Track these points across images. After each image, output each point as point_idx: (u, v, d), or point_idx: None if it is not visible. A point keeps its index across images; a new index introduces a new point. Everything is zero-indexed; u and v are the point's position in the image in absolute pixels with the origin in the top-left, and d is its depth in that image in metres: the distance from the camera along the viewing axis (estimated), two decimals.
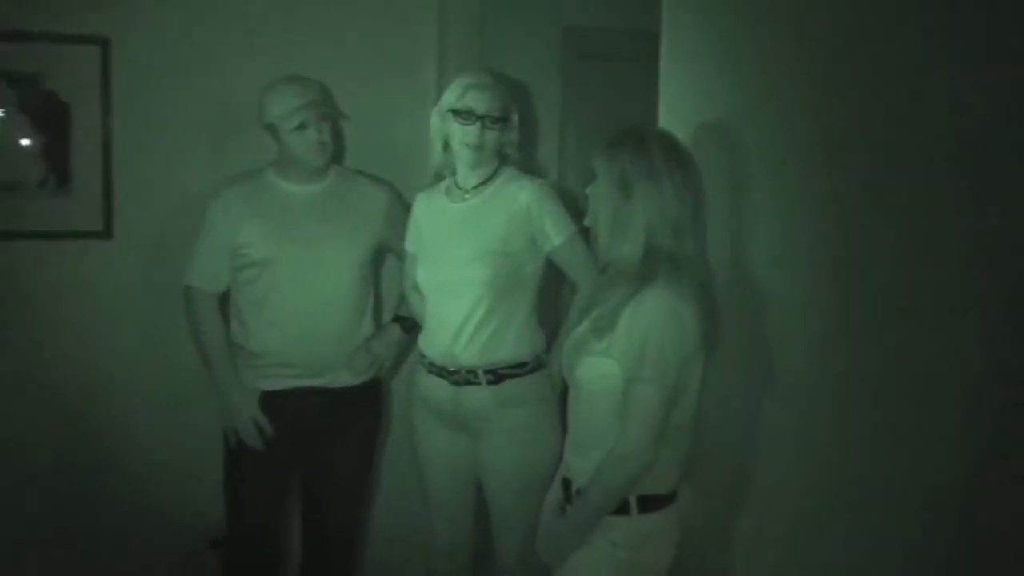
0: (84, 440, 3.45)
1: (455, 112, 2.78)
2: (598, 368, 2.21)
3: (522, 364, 2.82)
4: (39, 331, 3.39)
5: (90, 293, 3.44)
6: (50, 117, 3.35)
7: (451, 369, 2.83)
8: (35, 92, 3.32)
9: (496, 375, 2.80)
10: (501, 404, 2.80)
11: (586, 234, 2.50)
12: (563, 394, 2.48)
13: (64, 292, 3.41)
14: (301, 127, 2.97)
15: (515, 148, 2.88)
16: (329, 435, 3.15)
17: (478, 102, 2.76)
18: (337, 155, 3.24)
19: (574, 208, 2.75)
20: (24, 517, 3.41)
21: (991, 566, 1.61)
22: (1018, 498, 1.55)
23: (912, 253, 1.78)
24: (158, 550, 3.55)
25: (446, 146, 2.86)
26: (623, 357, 2.16)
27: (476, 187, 2.84)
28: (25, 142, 3.34)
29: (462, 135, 2.78)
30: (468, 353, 2.79)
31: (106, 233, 3.44)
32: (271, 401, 3.07)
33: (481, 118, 2.76)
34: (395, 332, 3.20)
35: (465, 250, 2.79)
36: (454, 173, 2.90)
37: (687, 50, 2.56)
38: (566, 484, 2.36)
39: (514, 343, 2.81)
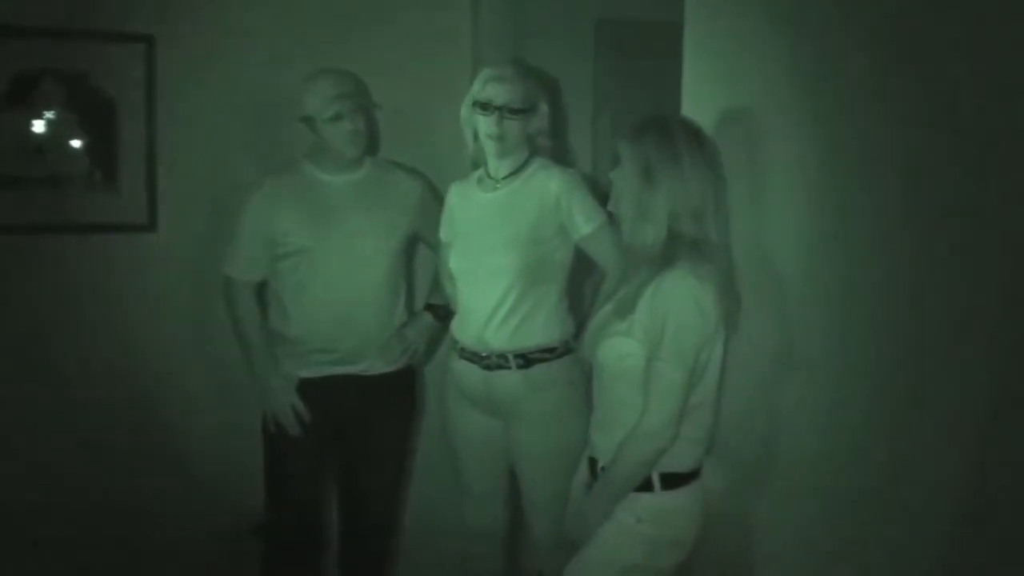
0: (128, 428, 3.50)
1: (475, 103, 2.85)
2: (620, 348, 2.27)
3: (551, 349, 2.87)
4: (84, 321, 3.45)
5: (134, 284, 3.49)
6: (97, 113, 3.43)
7: (482, 354, 2.89)
8: (82, 89, 3.39)
9: (526, 360, 2.85)
10: (531, 388, 2.85)
11: (611, 219, 2.55)
12: (589, 376, 2.54)
13: (109, 283, 3.46)
14: (336, 118, 3.03)
15: (545, 137, 2.93)
16: (365, 421, 3.22)
17: (497, 94, 2.81)
18: (371, 147, 3.29)
19: (603, 197, 2.79)
20: (65, 505, 3.47)
21: (1011, 544, 1.63)
22: None
23: (928, 240, 1.81)
24: (200, 537, 3.60)
25: (476, 136, 2.92)
26: (644, 337, 2.22)
27: (506, 177, 2.90)
28: (72, 138, 3.42)
29: (484, 126, 2.84)
30: (498, 338, 2.85)
31: (150, 226, 3.50)
32: (308, 388, 3.14)
33: (499, 109, 2.81)
34: (427, 319, 3.28)
35: (496, 238, 2.85)
36: (486, 163, 2.97)
37: (708, 41, 2.59)
38: (591, 462, 2.42)
39: (543, 328, 2.87)
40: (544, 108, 2.90)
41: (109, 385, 3.49)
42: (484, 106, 2.83)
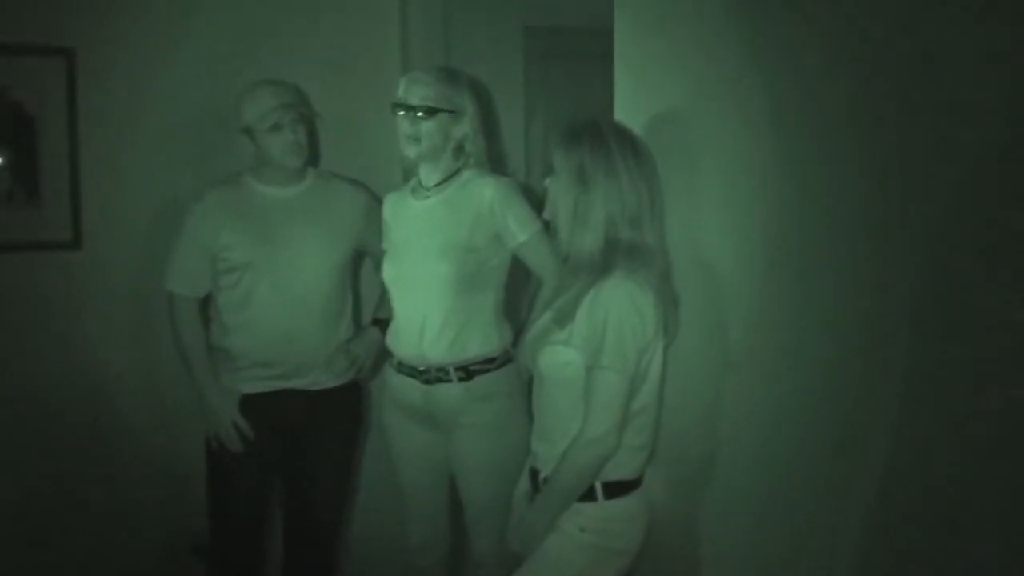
0: (62, 450, 3.44)
1: (394, 105, 2.83)
2: (560, 357, 2.26)
3: (491, 359, 2.85)
4: (9, 342, 3.38)
5: (60, 303, 3.43)
6: (16, 129, 3.35)
7: (421, 368, 2.85)
8: (0, 104, 3.32)
9: (467, 371, 2.82)
10: (472, 400, 2.83)
11: (546, 227, 2.54)
12: (529, 385, 2.52)
13: (34, 303, 3.40)
14: (276, 128, 2.99)
15: (474, 143, 2.87)
16: (309, 437, 3.17)
17: (410, 94, 2.79)
18: (312, 157, 3.25)
19: (537, 204, 2.78)
20: (3, 524, 3.40)
21: (946, 548, 1.64)
22: (970, 483, 1.59)
23: (877, 240, 1.82)
24: (140, 558, 3.55)
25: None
26: (584, 345, 2.21)
27: (438, 184, 2.87)
28: None
29: (401, 128, 2.82)
30: (436, 351, 2.81)
31: (75, 244, 3.44)
32: (251, 404, 3.09)
33: (412, 108, 2.78)
34: (374, 334, 3.22)
35: (430, 246, 2.81)
36: (418, 172, 2.93)
37: (638, 46, 2.60)
38: (534, 473, 2.40)
39: (482, 339, 2.84)
40: (470, 114, 2.85)
41: (37, 405, 3.42)
42: (399, 107, 2.81)
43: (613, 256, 2.23)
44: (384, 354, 3.21)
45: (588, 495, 2.27)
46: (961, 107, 1.57)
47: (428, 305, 2.81)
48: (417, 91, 2.79)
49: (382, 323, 3.20)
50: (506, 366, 2.87)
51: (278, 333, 3.06)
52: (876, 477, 1.79)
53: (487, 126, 2.96)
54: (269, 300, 3.04)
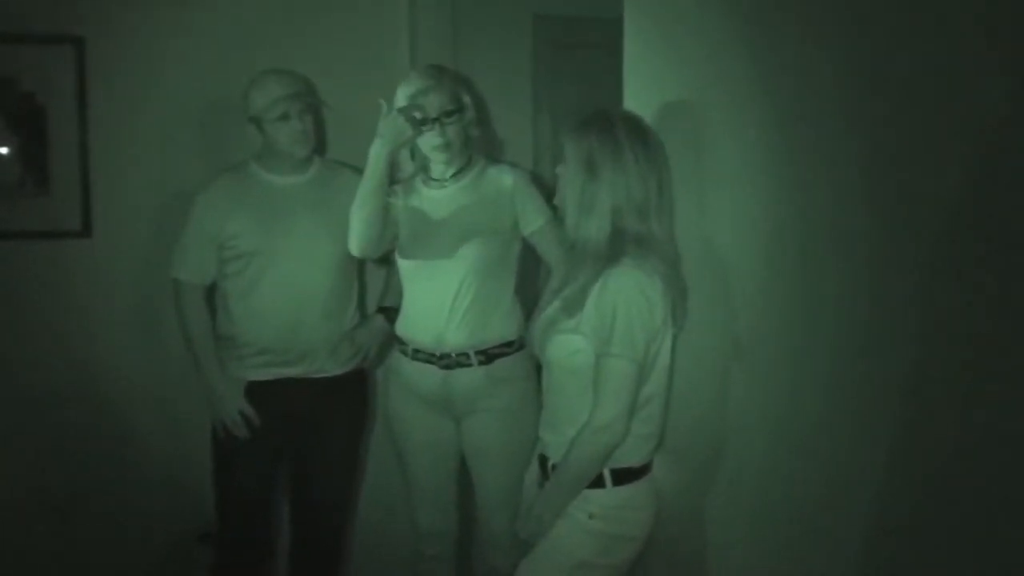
0: (70, 439, 3.46)
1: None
2: (569, 345, 2.27)
3: (510, 343, 2.89)
4: (19, 330, 3.40)
5: (70, 291, 3.44)
6: (26, 119, 3.36)
7: (439, 353, 2.87)
8: (11, 94, 3.33)
9: (487, 355, 2.85)
10: (492, 383, 2.86)
11: (555, 213, 2.56)
12: (538, 372, 2.53)
13: (44, 291, 3.41)
14: (284, 117, 3.00)
15: (476, 127, 2.93)
16: (315, 425, 3.19)
17: (429, 105, 2.81)
18: (319, 147, 3.26)
19: (546, 193, 2.82)
20: (11, 514, 3.42)
21: (951, 534, 1.65)
22: (975, 459, 1.59)
23: (861, 226, 1.82)
24: (146, 546, 3.57)
25: (413, 153, 2.92)
26: (593, 333, 2.22)
27: (454, 175, 2.91)
28: (1, 145, 3.35)
29: (427, 140, 2.84)
30: (459, 335, 2.84)
31: (85, 232, 3.45)
32: (257, 391, 3.10)
33: (436, 119, 2.81)
34: (379, 322, 3.24)
35: (454, 233, 2.85)
36: (426, 170, 2.95)
37: (647, 36, 2.59)
38: (542, 460, 2.41)
39: (501, 322, 2.88)
40: (468, 99, 2.90)
41: (46, 393, 3.44)
42: (422, 122, 2.81)
43: (620, 246, 2.24)
44: (390, 342, 3.23)
45: (597, 482, 2.28)
46: (963, 101, 1.57)
47: (454, 290, 2.84)
48: (433, 100, 2.81)
49: (387, 311, 3.21)
50: (523, 350, 2.91)
51: (284, 321, 3.07)
52: (884, 464, 1.79)
53: (479, 109, 3.00)
54: (275, 288, 3.06)
